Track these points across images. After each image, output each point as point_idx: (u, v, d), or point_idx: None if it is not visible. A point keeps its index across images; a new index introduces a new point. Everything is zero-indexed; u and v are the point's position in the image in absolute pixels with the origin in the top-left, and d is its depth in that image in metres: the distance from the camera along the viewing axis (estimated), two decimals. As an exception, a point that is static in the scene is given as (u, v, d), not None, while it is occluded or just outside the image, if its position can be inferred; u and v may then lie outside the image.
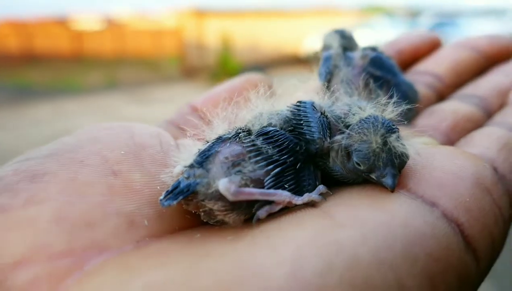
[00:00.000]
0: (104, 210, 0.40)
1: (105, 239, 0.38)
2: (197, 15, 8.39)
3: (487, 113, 0.61)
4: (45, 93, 6.20)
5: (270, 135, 0.44)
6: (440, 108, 0.61)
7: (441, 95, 0.67)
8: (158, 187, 0.43)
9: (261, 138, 0.44)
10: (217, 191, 0.40)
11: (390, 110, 0.48)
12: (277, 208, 0.41)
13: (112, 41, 9.04)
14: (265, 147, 0.43)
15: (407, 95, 0.60)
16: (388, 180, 0.41)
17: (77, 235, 0.38)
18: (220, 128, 0.47)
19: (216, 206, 0.40)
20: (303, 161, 0.45)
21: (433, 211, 0.39)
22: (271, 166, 0.42)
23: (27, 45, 8.96)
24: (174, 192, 0.40)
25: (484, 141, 0.52)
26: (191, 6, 8.44)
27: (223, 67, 7.45)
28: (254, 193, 0.40)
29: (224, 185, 0.40)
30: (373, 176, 0.42)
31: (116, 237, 0.38)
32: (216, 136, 0.46)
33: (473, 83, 0.67)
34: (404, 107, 0.48)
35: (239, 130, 0.45)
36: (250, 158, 0.43)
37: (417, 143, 0.48)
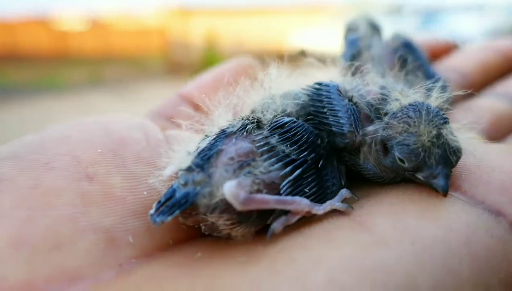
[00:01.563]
0: (75, 226, 0.32)
1: (77, 265, 0.30)
2: (182, 13, 8.32)
3: None
4: (29, 92, 6.09)
5: (287, 128, 0.37)
6: (476, 105, 0.56)
7: (468, 94, 0.63)
8: (145, 192, 0.35)
9: (276, 133, 0.37)
10: (222, 200, 0.32)
11: (436, 97, 0.39)
12: (295, 218, 0.34)
13: (97, 40, 8.92)
14: (281, 144, 0.36)
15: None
16: (440, 181, 0.33)
17: (40, 262, 0.29)
18: (222, 118, 0.39)
19: (220, 220, 0.33)
20: (325, 157, 0.37)
21: (499, 221, 0.32)
22: (289, 168, 0.35)
23: (10, 44, 8.81)
24: (168, 203, 0.32)
25: None
26: (176, 4, 8.38)
27: (208, 64, 7.40)
28: (269, 200, 0.33)
29: (231, 190, 0.32)
30: (419, 176, 0.35)
31: (92, 261, 0.30)
32: (217, 129, 0.38)
33: (503, 83, 0.62)
34: (451, 94, 0.40)
35: (247, 121, 0.38)
36: (262, 157, 0.35)
37: (466, 139, 0.40)
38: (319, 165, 0.36)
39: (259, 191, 0.33)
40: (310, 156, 0.36)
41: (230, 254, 0.32)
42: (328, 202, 0.35)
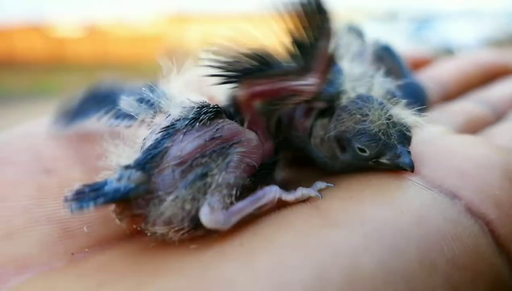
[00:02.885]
0: (29, 216, 0.32)
1: (27, 254, 0.31)
2: (178, 20, 8.34)
3: (497, 116, 0.56)
4: (25, 98, 6.09)
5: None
6: (450, 107, 0.57)
7: (445, 101, 0.63)
8: None
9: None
10: (167, 208, 0.30)
11: (377, 88, 0.40)
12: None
13: (93, 46, 8.91)
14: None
15: (415, 94, 0.56)
16: (406, 159, 0.34)
17: None
18: (174, 107, 0.35)
19: (164, 229, 0.31)
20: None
21: (454, 204, 0.32)
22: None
23: (7, 51, 8.80)
24: (93, 194, 0.30)
25: (506, 134, 0.45)
26: (172, 11, 8.39)
27: (205, 71, 7.40)
28: (246, 207, 0.32)
29: (208, 218, 0.30)
30: (384, 160, 0.35)
31: (43, 250, 0.31)
32: (167, 122, 0.34)
33: (480, 91, 0.63)
34: (392, 84, 0.41)
35: (204, 107, 0.34)
36: (215, 155, 0.32)
37: (433, 130, 0.41)
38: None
39: (230, 202, 0.32)
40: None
41: (182, 243, 0.32)
42: (300, 188, 0.34)
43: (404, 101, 0.38)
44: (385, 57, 0.57)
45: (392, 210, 0.31)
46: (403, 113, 0.36)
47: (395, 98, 0.39)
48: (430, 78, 0.65)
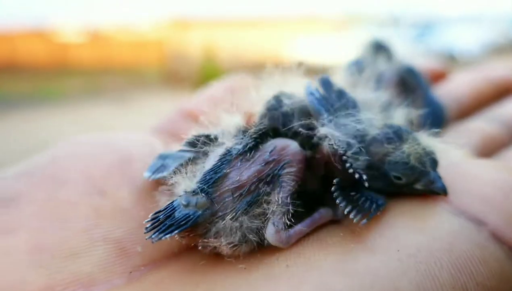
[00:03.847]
0: (89, 236, 0.34)
1: (91, 272, 0.32)
2: (180, 25, 8.38)
3: (511, 136, 0.57)
4: (28, 102, 6.12)
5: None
6: (465, 127, 0.57)
7: (459, 118, 0.63)
8: (153, 207, 0.35)
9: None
10: (224, 226, 0.34)
11: (398, 116, 0.42)
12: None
13: (95, 51, 8.96)
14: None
15: (435, 114, 0.57)
16: (439, 184, 0.36)
17: (57, 269, 0.32)
18: (227, 137, 0.38)
19: (219, 243, 0.34)
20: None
21: (480, 230, 0.33)
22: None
23: (9, 55, 8.84)
24: (167, 221, 0.33)
25: None
26: (174, 16, 8.43)
27: (206, 75, 7.43)
28: (305, 229, 0.34)
29: (274, 237, 0.34)
30: (418, 186, 0.37)
31: (105, 268, 0.33)
32: (222, 149, 0.37)
33: (492, 108, 0.64)
34: (411, 113, 0.43)
35: (253, 137, 0.37)
36: (270, 178, 0.35)
37: (455, 154, 0.43)
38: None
39: (290, 221, 0.34)
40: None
41: (230, 262, 0.33)
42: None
43: (426, 128, 0.40)
44: (408, 79, 0.58)
45: (424, 236, 0.32)
46: (429, 140, 0.38)
47: (418, 126, 0.41)
48: (445, 95, 0.66)
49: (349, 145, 0.36)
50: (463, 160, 0.42)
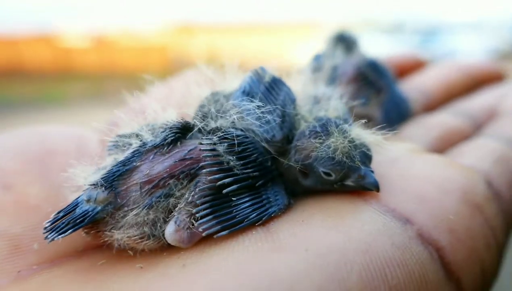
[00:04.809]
0: None
1: None
2: (183, 30, 8.40)
3: (475, 128, 0.55)
4: (33, 106, 6.13)
5: (237, 142, 0.34)
6: (428, 120, 0.56)
7: (428, 111, 0.62)
8: (62, 203, 0.34)
9: (224, 143, 0.34)
10: (129, 220, 0.32)
11: (333, 109, 0.40)
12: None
13: (99, 57, 8.98)
14: (227, 155, 0.34)
15: (399, 108, 0.56)
16: (370, 179, 0.34)
17: None
18: (145, 128, 0.36)
19: (126, 236, 0.32)
20: (272, 179, 0.36)
21: (405, 229, 0.31)
22: (229, 179, 0.34)
23: (15, 60, 8.87)
24: (65, 219, 0.31)
25: (476, 153, 0.43)
26: (178, 22, 8.46)
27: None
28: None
29: (173, 236, 0.32)
30: (349, 183, 0.35)
31: None
32: (137, 142, 0.35)
33: (461, 101, 0.62)
34: (348, 104, 0.41)
35: (174, 131, 0.35)
36: (184, 176, 0.33)
37: (400, 149, 0.41)
38: (257, 184, 0.35)
39: (196, 216, 0.32)
40: (254, 174, 0.35)
41: (132, 261, 0.32)
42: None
43: (361, 121, 0.38)
44: (368, 73, 0.56)
45: (340, 236, 0.30)
46: (362, 133, 0.36)
47: (349, 120, 0.39)
48: (414, 88, 0.64)
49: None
50: (405, 155, 0.40)
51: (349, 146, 0.34)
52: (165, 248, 0.33)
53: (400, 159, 0.40)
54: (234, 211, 0.33)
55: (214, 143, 0.34)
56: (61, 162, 0.38)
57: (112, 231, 0.32)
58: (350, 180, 0.35)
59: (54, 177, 0.37)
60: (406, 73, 0.71)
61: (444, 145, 0.50)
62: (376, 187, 0.34)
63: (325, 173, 0.35)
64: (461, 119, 0.56)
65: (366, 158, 0.35)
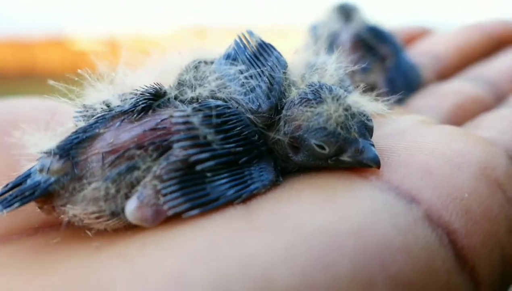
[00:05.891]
0: None
1: None
2: (196, 33, 8.44)
3: (497, 97, 0.49)
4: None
5: (217, 112, 0.31)
6: (441, 88, 0.50)
7: (442, 79, 0.56)
8: (15, 174, 0.31)
9: (200, 114, 0.30)
10: (86, 197, 0.28)
11: (330, 75, 0.36)
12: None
13: (111, 60, 9.04)
14: (205, 127, 0.30)
15: (406, 76, 0.53)
16: (369, 154, 0.29)
17: None
18: (109, 92, 0.33)
19: (84, 213, 0.28)
20: (259, 155, 0.32)
21: (410, 209, 0.27)
22: (205, 155, 0.29)
23: (28, 63, 8.98)
24: (14, 191, 0.28)
25: (497, 124, 0.38)
26: (190, 25, 8.51)
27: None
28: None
29: (135, 214, 0.27)
30: (345, 158, 0.30)
31: None
32: (103, 108, 0.32)
33: (480, 65, 0.55)
34: (346, 68, 0.37)
35: (147, 97, 0.31)
36: (153, 147, 0.29)
37: (407, 120, 0.37)
38: (240, 161, 0.31)
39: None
40: (236, 149, 0.30)
41: (90, 240, 0.28)
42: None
43: (361, 86, 0.34)
44: (370, 39, 0.53)
45: (331, 215, 0.25)
46: (361, 101, 0.32)
47: (349, 87, 0.36)
48: (424, 52, 0.58)
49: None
50: (413, 126, 0.35)
51: (345, 114, 0.30)
52: (130, 227, 0.29)
53: (407, 130, 0.35)
54: (208, 187, 0.29)
55: (188, 115, 0.30)
56: (24, 133, 0.33)
57: (68, 206, 0.28)
58: (347, 154, 0.30)
59: (16, 148, 0.32)
60: (413, 41, 0.65)
61: (460, 117, 0.45)
62: (376, 163, 0.29)
63: (318, 145, 0.30)
64: (480, 87, 0.50)
65: (366, 128, 0.30)
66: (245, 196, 0.28)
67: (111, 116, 0.29)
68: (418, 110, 0.45)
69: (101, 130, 0.28)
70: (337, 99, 0.30)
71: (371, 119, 0.31)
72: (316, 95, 0.31)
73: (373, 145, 0.30)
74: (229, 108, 0.31)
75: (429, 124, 0.38)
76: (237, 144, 0.30)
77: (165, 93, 0.32)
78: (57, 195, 0.28)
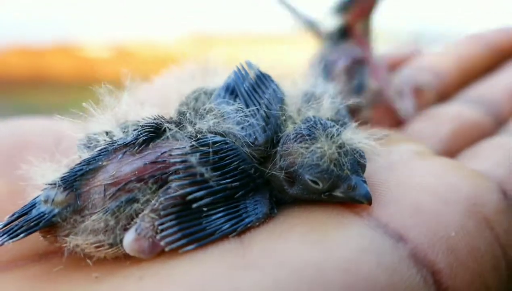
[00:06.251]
0: None
1: None
2: (203, 40, 8.46)
3: (497, 121, 0.50)
4: (56, 113, 6.19)
5: (215, 149, 0.31)
6: (440, 112, 0.51)
7: (443, 97, 0.56)
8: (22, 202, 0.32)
9: (199, 151, 0.31)
10: (88, 228, 0.29)
11: (326, 108, 0.37)
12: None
13: (120, 66, 9.05)
14: (201, 166, 0.31)
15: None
16: (361, 190, 0.31)
17: None
18: (112, 124, 0.34)
19: (85, 243, 0.30)
20: (255, 188, 0.33)
21: (397, 248, 0.28)
22: (202, 193, 0.30)
23: (38, 69, 9.01)
24: (18, 221, 0.29)
25: (493, 155, 0.39)
26: (198, 32, 8.52)
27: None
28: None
29: (132, 246, 0.29)
30: (338, 193, 0.32)
31: None
32: (106, 140, 0.33)
33: (481, 84, 0.55)
34: (343, 102, 0.38)
35: (148, 130, 0.32)
36: (153, 180, 0.30)
37: (402, 152, 0.38)
38: (237, 195, 0.32)
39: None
40: (233, 184, 0.32)
41: (90, 269, 0.29)
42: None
43: (355, 122, 0.36)
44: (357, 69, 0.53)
45: (319, 252, 0.27)
46: (355, 138, 0.33)
47: (345, 120, 0.37)
48: (424, 68, 0.57)
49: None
50: (407, 159, 0.36)
51: (338, 152, 0.32)
52: (129, 257, 0.30)
53: (401, 164, 0.36)
54: (205, 222, 0.30)
55: (186, 154, 0.31)
56: (33, 158, 0.34)
57: (70, 236, 0.30)
58: (339, 190, 0.32)
59: (23, 171, 0.34)
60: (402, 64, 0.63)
61: (457, 144, 0.46)
62: (367, 200, 0.30)
63: (312, 181, 0.32)
64: (479, 110, 0.50)
65: (358, 165, 0.32)
66: (240, 229, 0.30)
67: (113, 148, 0.31)
68: (416, 135, 0.46)
69: (104, 163, 0.30)
70: (331, 137, 0.32)
71: (364, 156, 0.32)
72: (311, 131, 0.32)
73: (365, 181, 0.31)
74: (226, 143, 0.32)
75: (423, 156, 0.39)
76: (233, 179, 0.31)
77: (165, 130, 0.32)
78: (60, 226, 0.29)
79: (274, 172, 0.33)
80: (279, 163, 0.33)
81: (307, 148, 0.32)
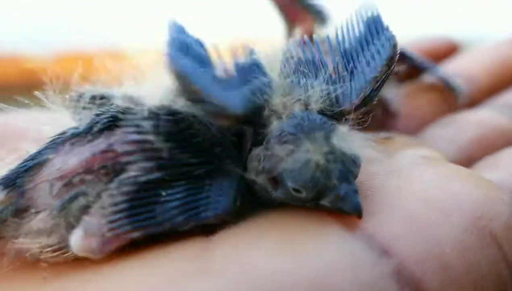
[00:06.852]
0: None
1: None
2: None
3: None
4: None
5: (176, 119, 0.28)
6: (464, 117, 0.46)
7: (471, 104, 0.51)
8: None
9: (149, 122, 0.28)
10: (35, 228, 0.27)
11: (315, 100, 0.31)
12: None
13: (118, 72, 9.84)
14: (161, 142, 0.28)
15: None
16: (350, 202, 0.26)
17: None
18: (65, 114, 0.31)
19: (30, 245, 0.27)
20: (216, 170, 0.29)
21: (379, 263, 0.24)
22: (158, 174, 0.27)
23: (31, 76, 9.62)
24: None
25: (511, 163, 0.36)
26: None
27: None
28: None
29: (80, 245, 0.26)
30: (325, 203, 0.27)
31: None
32: (57, 129, 0.30)
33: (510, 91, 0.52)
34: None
35: (99, 118, 0.29)
36: (104, 172, 0.27)
37: (406, 156, 0.35)
38: (195, 173, 0.28)
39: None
40: (190, 160, 0.28)
41: (38, 270, 0.27)
42: None
43: (351, 119, 0.31)
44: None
45: (290, 262, 0.24)
46: (349, 139, 0.29)
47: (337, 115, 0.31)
48: (458, 74, 0.53)
49: None
50: (413, 164, 0.33)
51: (326, 157, 0.27)
52: (79, 258, 0.27)
53: (402, 170, 0.32)
54: (158, 209, 0.27)
55: (138, 122, 0.28)
56: (17, 147, 0.31)
57: (14, 238, 0.27)
58: (326, 199, 0.27)
59: (8, 163, 0.30)
60: (439, 60, 0.58)
61: (480, 152, 0.41)
62: (357, 212, 0.26)
63: (294, 190, 0.27)
64: (507, 118, 0.46)
65: (350, 172, 0.28)
66: (192, 224, 0.27)
67: (62, 140, 0.28)
68: (433, 141, 0.43)
69: (51, 156, 0.28)
70: (318, 139, 0.27)
71: (356, 161, 0.28)
72: (297, 130, 0.28)
73: (356, 191, 0.27)
74: (194, 116, 0.29)
75: (431, 162, 0.35)
76: (192, 154, 0.28)
77: (122, 119, 0.29)
78: (3, 226, 0.27)
79: (254, 178, 0.29)
80: (262, 163, 0.29)
81: (291, 150, 0.28)
